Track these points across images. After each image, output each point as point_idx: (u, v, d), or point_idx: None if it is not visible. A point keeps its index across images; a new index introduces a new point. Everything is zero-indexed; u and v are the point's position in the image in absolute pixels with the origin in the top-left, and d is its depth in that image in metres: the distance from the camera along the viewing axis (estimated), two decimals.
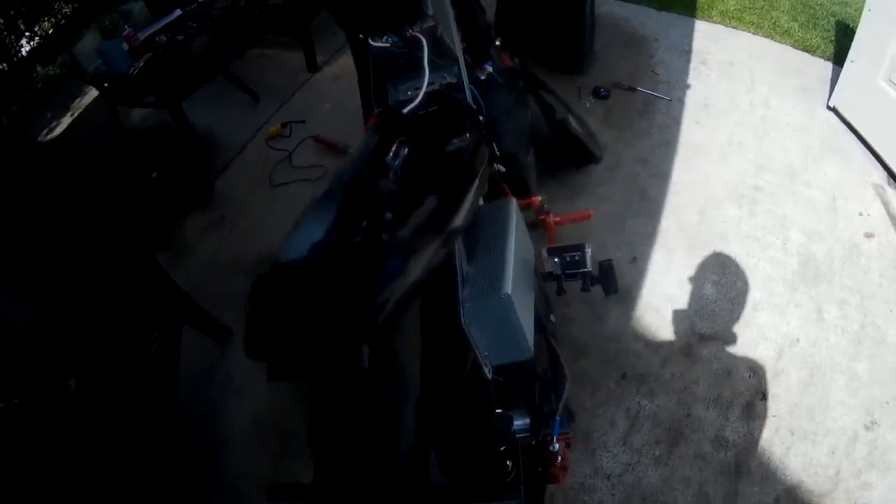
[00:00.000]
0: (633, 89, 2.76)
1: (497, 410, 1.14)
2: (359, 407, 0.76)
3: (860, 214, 2.15)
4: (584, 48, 2.82)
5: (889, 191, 2.20)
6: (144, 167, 2.86)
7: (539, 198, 1.98)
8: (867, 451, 1.60)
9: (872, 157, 2.31)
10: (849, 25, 2.82)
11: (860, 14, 2.29)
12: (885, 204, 2.16)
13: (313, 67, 3.37)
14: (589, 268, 1.45)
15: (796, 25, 2.97)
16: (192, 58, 2.96)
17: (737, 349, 1.85)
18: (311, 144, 2.88)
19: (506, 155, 1.78)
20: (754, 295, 1.97)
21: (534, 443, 1.20)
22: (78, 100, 3.64)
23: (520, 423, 1.16)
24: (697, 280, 2.04)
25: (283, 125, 3.00)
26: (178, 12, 3.00)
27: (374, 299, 0.72)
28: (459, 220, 0.89)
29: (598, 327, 1.95)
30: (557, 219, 2.01)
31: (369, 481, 0.77)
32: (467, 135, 1.03)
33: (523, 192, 1.92)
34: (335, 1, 1.60)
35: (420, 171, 0.95)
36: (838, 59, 2.64)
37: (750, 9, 3.12)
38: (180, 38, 2.86)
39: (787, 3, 3.12)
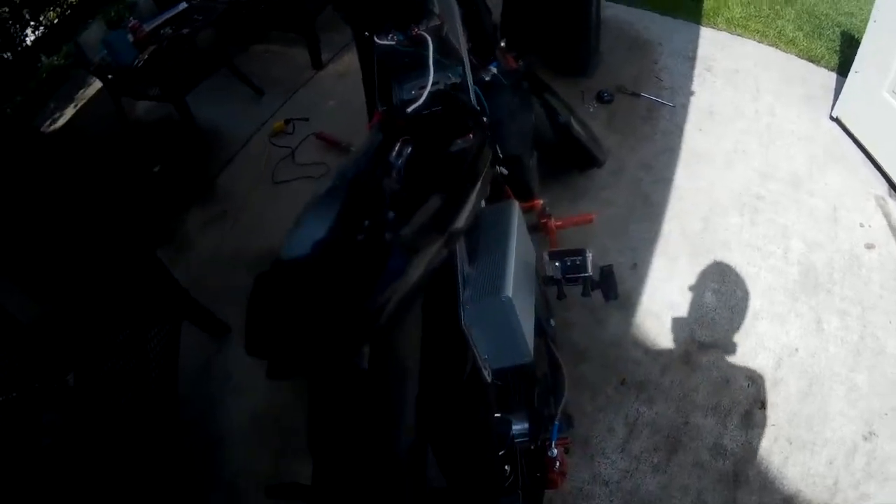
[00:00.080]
0: (636, 94, 2.76)
1: (496, 414, 1.13)
2: (359, 405, 0.76)
3: (861, 225, 2.15)
4: (589, 50, 2.81)
5: (890, 202, 2.20)
6: (147, 161, 2.86)
7: (541, 201, 1.97)
8: (865, 462, 1.60)
9: (874, 169, 2.31)
10: (854, 36, 2.82)
11: (865, 25, 2.28)
12: (887, 215, 2.16)
13: (318, 64, 3.36)
14: (590, 272, 1.44)
15: (801, 35, 2.97)
16: (197, 51, 2.95)
17: (736, 358, 1.85)
18: (315, 142, 2.87)
19: (509, 157, 1.77)
20: (754, 304, 1.97)
21: (532, 447, 1.19)
22: (82, 90, 3.62)
23: (519, 427, 1.15)
24: (698, 287, 2.03)
25: (287, 122, 2.99)
26: (183, 5, 3.01)
27: (375, 298, 0.71)
28: (462, 220, 0.88)
29: (599, 332, 1.94)
30: (559, 222, 2.00)
31: (369, 480, 0.77)
32: (471, 136, 1.03)
33: (526, 195, 1.91)
34: None
35: (423, 170, 0.94)
36: (843, 69, 2.64)
37: (755, 17, 3.12)
38: (185, 30, 2.87)
39: (793, 12, 3.12)
